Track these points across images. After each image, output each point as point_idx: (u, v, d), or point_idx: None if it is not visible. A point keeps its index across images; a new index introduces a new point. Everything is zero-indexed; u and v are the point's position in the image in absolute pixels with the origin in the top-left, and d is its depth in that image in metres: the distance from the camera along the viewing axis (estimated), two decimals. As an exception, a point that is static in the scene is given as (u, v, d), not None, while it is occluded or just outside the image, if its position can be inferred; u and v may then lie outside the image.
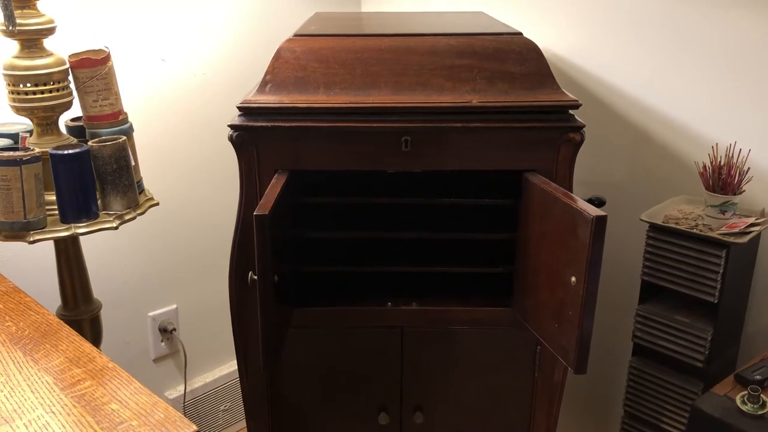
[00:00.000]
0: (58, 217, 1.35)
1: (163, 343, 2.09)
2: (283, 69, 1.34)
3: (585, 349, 1.18)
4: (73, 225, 1.34)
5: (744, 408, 1.35)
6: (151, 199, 1.51)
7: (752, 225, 1.49)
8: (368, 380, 1.54)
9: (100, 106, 1.42)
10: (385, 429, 1.57)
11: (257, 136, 1.32)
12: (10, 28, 1.30)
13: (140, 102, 1.85)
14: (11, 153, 1.30)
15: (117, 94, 1.45)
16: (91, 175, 1.35)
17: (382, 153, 1.33)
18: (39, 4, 1.36)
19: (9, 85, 1.36)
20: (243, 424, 2.18)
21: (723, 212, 1.49)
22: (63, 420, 0.91)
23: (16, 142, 1.44)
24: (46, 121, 1.40)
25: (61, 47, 1.41)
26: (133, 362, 2.01)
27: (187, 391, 2.16)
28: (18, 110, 1.38)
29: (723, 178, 1.49)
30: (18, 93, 1.36)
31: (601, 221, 1.11)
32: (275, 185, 1.26)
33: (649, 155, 1.76)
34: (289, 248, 1.37)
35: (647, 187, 1.78)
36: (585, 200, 1.20)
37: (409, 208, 1.53)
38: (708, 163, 1.52)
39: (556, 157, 1.34)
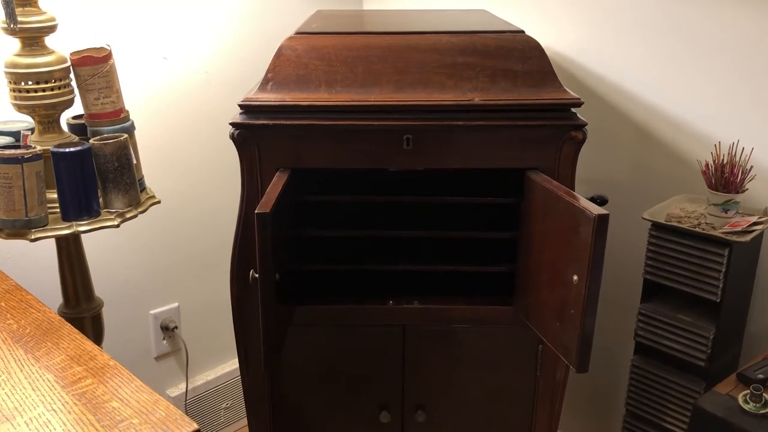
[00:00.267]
0: (59, 215, 1.35)
1: (164, 341, 2.10)
2: (284, 67, 1.33)
3: (587, 347, 1.18)
4: (74, 223, 1.34)
5: (746, 407, 1.34)
6: (153, 197, 1.51)
7: (755, 224, 1.48)
8: (370, 378, 1.54)
9: (102, 104, 1.42)
10: (386, 427, 1.57)
11: (259, 134, 1.32)
12: (12, 25, 1.30)
13: (142, 100, 1.84)
14: (13, 151, 1.30)
15: (118, 92, 1.44)
16: (93, 173, 1.35)
17: (384, 151, 1.33)
18: (40, 2, 1.36)
19: (10, 83, 1.36)
20: (245, 422, 2.18)
21: (725, 211, 1.49)
22: (64, 418, 0.91)
23: (18, 140, 1.43)
24: (47, 119, 1.40)
25: (62, 45, 1.41)
26: (135, 360, 2.01)
27: (188, 389, 2.16)
28: (19, 108, 1.38)
29: (726, 177, 1.49)
30: (19, 91, 1.36)
31: (603, 220, 1.10)
32: (276, 183, 1.26)
33: (652, 153, 1.76)
34: (291, 246, 1.37)
35: (649, 185, 1.77)
36: (587, 198, 1.20)
37: (411, 207, 1.53)
38: (710, 162, 1.52)
39: (559, 156, 1.33)
